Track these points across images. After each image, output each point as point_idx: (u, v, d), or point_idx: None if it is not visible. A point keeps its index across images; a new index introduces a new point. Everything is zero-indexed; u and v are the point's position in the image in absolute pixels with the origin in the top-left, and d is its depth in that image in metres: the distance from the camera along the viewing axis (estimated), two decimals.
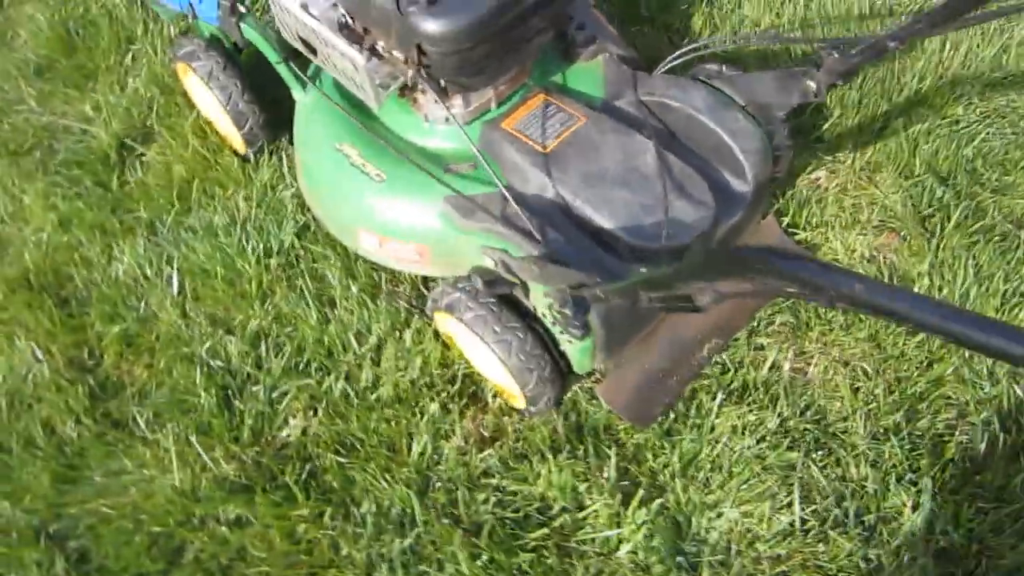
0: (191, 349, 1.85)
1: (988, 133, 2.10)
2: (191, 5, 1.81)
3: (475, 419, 1.76)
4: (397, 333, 1.84)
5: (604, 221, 1.61)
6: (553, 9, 1.63)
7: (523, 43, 1.64)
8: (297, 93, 1.91)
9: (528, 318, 1.64)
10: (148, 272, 1.96)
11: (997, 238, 1.94)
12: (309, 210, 2.01)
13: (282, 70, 1.87)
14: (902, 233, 1.97)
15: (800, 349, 1.84)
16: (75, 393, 1.81)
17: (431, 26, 1.46)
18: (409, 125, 1.81)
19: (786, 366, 1.81)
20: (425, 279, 1.95)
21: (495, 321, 1.61)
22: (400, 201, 1.75)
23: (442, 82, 1.63)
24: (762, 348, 1.84)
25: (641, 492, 1.66)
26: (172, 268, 1.95)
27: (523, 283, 1.61)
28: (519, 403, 1.74)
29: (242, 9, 1.78)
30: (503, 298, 1.64)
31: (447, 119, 1.77)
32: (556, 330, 1.63)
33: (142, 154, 2.18)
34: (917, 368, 1.79)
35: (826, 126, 2.14)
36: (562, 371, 1.67)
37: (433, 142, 1.80)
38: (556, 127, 1.74)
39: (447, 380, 1.80)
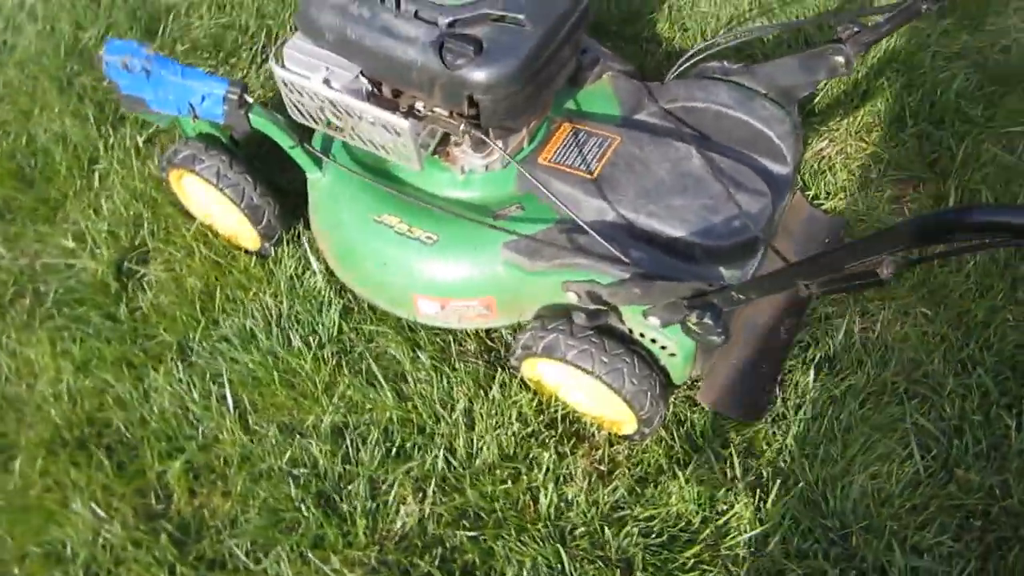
0: (269, 464, 1.75)
1: (961, 75, 2.26)
2: (191, 106, 1.73)
3: (589, 456, 1.75)
4: (482, 392, 1.80)
5: (674, 230, 1.64)
6: (578, 37, 1.66)
7: (556, 77, 1.66)
8: (313, 174, 1.86)
9: (627, 342, 1.64)
10: (194, 396, 1.85)
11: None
12: (347, 291, 1.95)
13: (296, 153, 1.82)
14: (915, 180, 2.10)
15: (862, 310, 1.92)
16: (157, 544, 1.68)
17: (483, 76, 1.46)
18: (444, 181, 1.79)
19: (856, 329, 1.89)
20: (488, 331, 1.92)
21: (601, 352, 1.61)
22: (457, 259, 1.73)
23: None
24: (829, 318, 1.91)
25: (771, 483, 1.69)
26: (221, 386, 1.84)
27: (615, 308, 1.62)
28: (629, 429, 1.74)
29: (249, 99, 1.72)
30: (599, 328, 1.64)
31: (485, 167, 1.76)
32: (655, 347, 1.64)
33: (144, 275, 2.06)
34: (972, 300, 1.90)
35: (816, 99, 2.25)
36: (666, 387, 1.68)
37: (472, 193, 1.79)
38: (594, 151, 1.76)
39: (546, 426, 1.77)
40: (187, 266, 2.02)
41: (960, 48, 2.33)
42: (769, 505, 1.66)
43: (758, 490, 1.69)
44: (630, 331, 1.65)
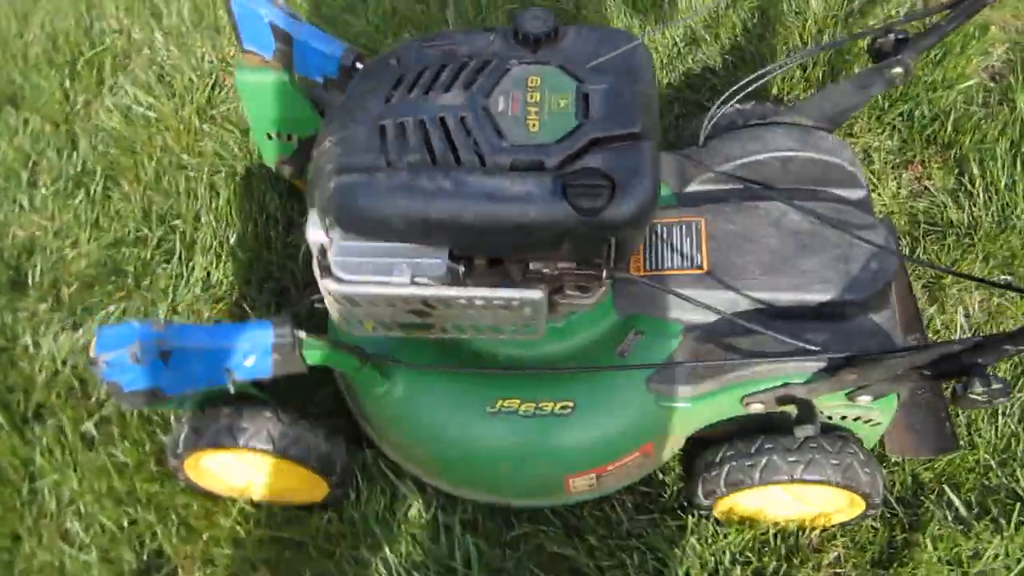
0: None
1: None
2: (228, 371, 1.35)
3: (825, 567, 1.56)
4: (677, 551, 1.56)
5: (819, 295, 1.51)
6: None
7: None
8: (379, 388, 1.54)
9: (830, 431, 1.49)
10: None
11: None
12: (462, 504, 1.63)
13: (365, 375, 1.49)
14: (918, 159, 2.13)
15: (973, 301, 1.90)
16: None
17: (628, 211, 1.22)
18: (541, 339, 1.54)
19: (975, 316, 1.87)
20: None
21: (827, 456, 1.44)
22: (605, 419, 1.51)
23: None
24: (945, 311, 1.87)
25: (996, 508, 1.60)
26: None
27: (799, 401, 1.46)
28: (849, 514, 1.58)
29: (302, 335, 1.38)
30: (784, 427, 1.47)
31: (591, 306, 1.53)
32: (854, 423, 1.50)
33: None
34: None
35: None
36: None
37: (575, 339, 1.55)
38: (687, 243, 1.60)
39: (767, 555, 1.57)
40: (254, 555, 1.60)
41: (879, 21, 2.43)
42: (1010, 532, 1.56)
43: (1001, 521, 1.60)
44: (828, 416, 1.50)
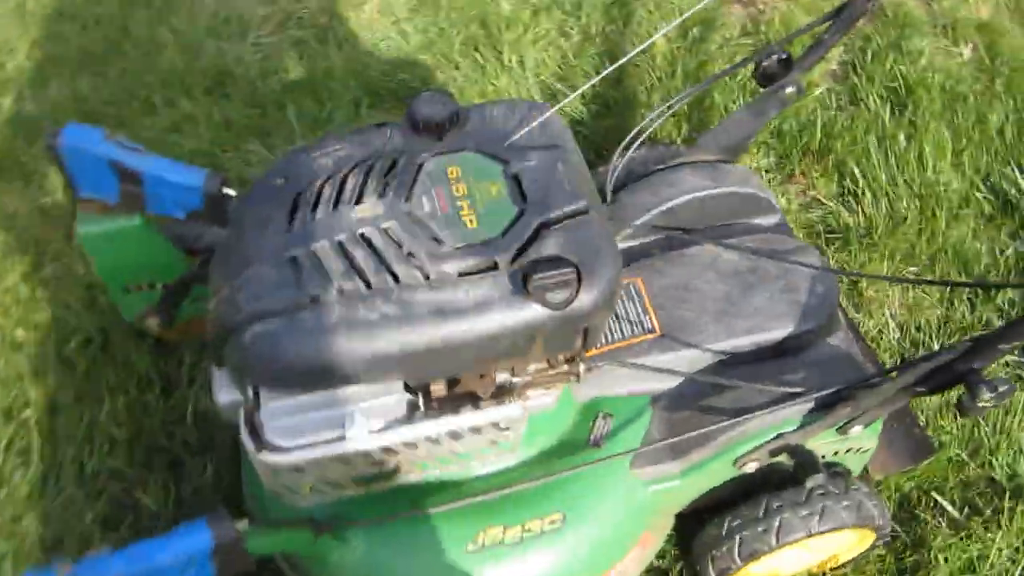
0: None
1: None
2: None
3: None
4: None
5: (778, 330, 1.45)
6: None
7: None
8: (336, 554, 1.31)
9: (828, 468, 1.41)
10: None
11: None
12: None
13: (318, 545, 1.26)
14: (798, 171, 2.16)
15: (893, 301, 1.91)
16: None
17: (597, 294, 1.10)
18: (505, 447, 1.38)
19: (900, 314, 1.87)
20: None
21: (834, 498, 1.36)
22: (597, 519, 1.36)
23: None
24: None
25: (982, 502, 1.59)
26: None
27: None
28: (859, 549, 1.50)
29: (243, 526, 1.14)
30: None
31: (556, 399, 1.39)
32: (847, 456, 1.44)
33: None
34: None
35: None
36: None
37: (544, 439, 1.39)
38: (631, 307, 1.50)
39: None
40: None
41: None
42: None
43: (989, 514, 1.57)
44: (821, 456, 1.42)
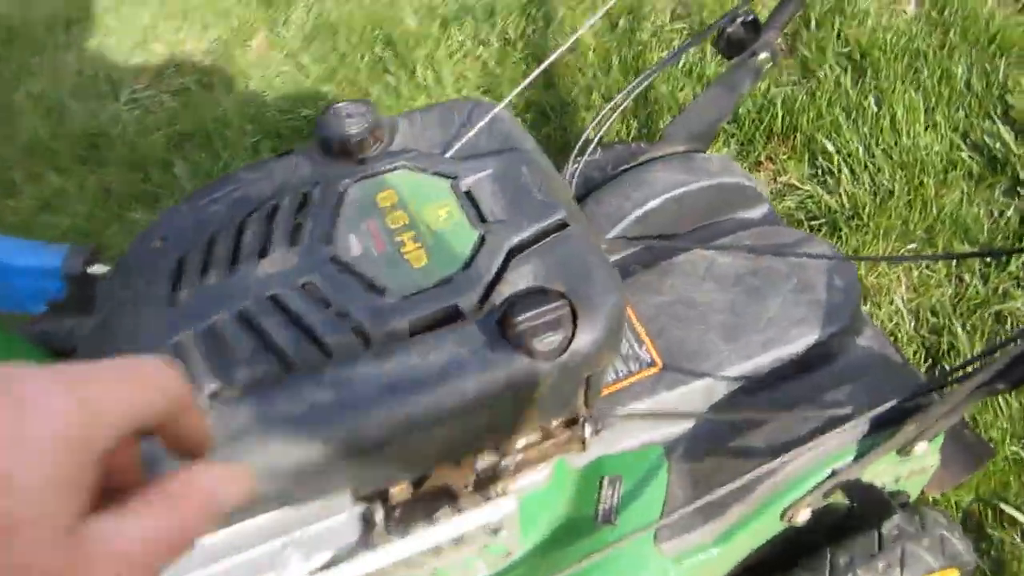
0: None
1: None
2: None
3: None
4: None
5: (801, 339, 1.21)
6: None
7: None
8: None
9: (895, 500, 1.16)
10: None
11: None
12: None
13: None
14: (764, 156, 1.94)
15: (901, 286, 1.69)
16: None
17: (603, 329, 0.82)
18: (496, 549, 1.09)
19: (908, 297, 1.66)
20: None
21: (913, 539, 1.11)
22: None
23: None
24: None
25: None
26: None
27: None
28: None
29: None
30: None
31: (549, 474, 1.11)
32: (907, 481, 1.19)
33: None
34: None
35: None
36: None
37: (537, 527, 1.11)
38: (628, 335, 1.23)
39: None
40: None
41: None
42: None
43: None
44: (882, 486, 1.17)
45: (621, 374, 1.19)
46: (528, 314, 0.78)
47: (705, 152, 1.47)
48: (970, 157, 1.88)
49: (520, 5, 2.31)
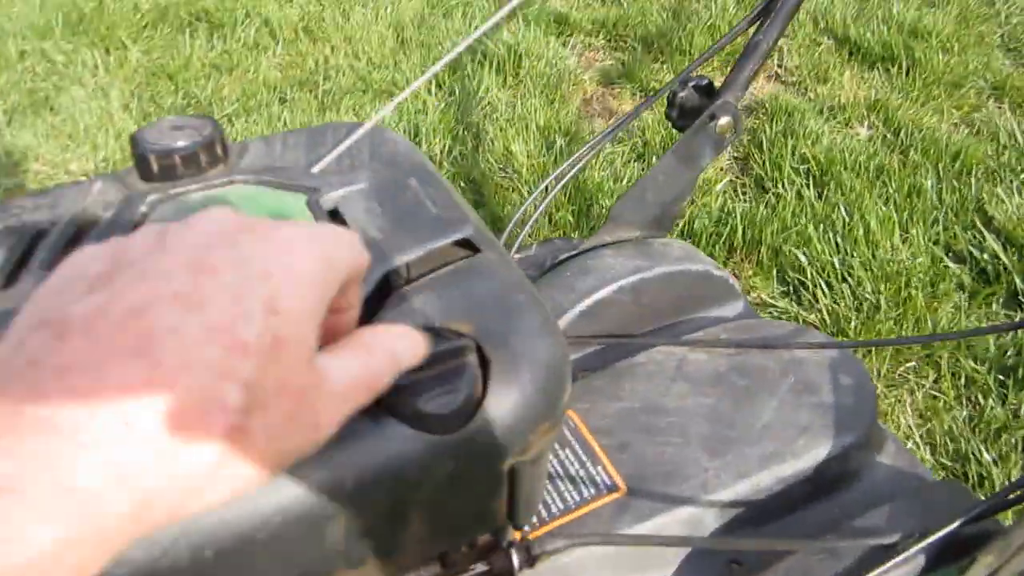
0: None
1: None
2: None
3: None
4: None
5: (812, 451, 0.91)
6: None
7: None
8: None
9: None
10: None
11: None
12: None
13: None
14: (737, 178, 1.72)
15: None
16: None
17: (524, 389, 0.52)
18: None
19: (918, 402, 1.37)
20: None
21: None
22: None
23: None
24: None
25: None
26: None
27: None
28: None
29: None
30: None
31: None
32: None
33: None
34: None
35: None
36: None
37: None
38: (570, 459, 0.91)
39: None
40: None
41: None
42: None
43: None
44: None
45: (570, 502, 0.86)
46: (426, 380, 0.48)
47: (665, 237, 1.23)
48: (958, 269, 1.68)
49: (448, 127, 2.15)
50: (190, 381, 0.28)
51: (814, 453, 0.90)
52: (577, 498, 0.87)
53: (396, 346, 0.41)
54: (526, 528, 0.83)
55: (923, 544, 0.74)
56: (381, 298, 0.56)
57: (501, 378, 0.50)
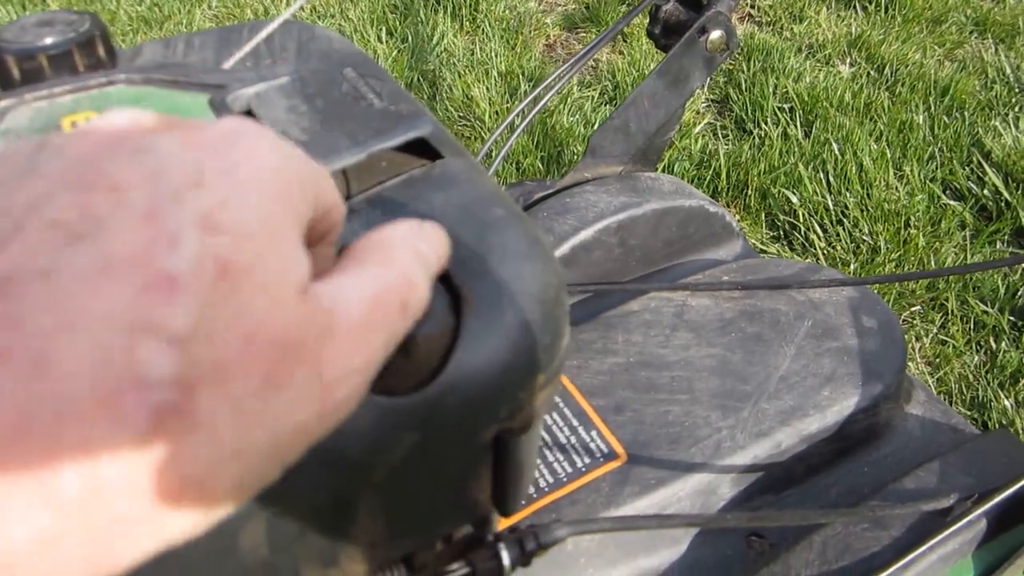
0: None
1: None
2: None
3: None
4: None
5: (838, 404, 0.78)
6: None
7: None
8: None
9: None
10: None
11: None
12: None
13: None
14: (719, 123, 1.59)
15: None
16: None
17: (509, 342, 0.39)
18: None
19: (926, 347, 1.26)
20: None
21: None
22: None
23: None
24: None
25: None
26: None
27: None
28: None
29: None
30: None
31: None
32: None
33: None
34: None
35: None
36: None
37: None
38: (559, 425, 0.78)
39: None
40: None
41: None
42: None
43: None
44: None
45: (563, 475, 0.73)
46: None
47: (653, 172, 1.09)
48: (959, 206, 1.57)
49: (400, 75, 1.98)
50: (77, 348, 0.17)
51: (840, 406, 0.78)
52: (570, 470, 0.74)
53: (414, 241, 0.29)
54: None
55: (987, 506, 0.62)
56: None
57: (478, 316, 0.37)
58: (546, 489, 0.72)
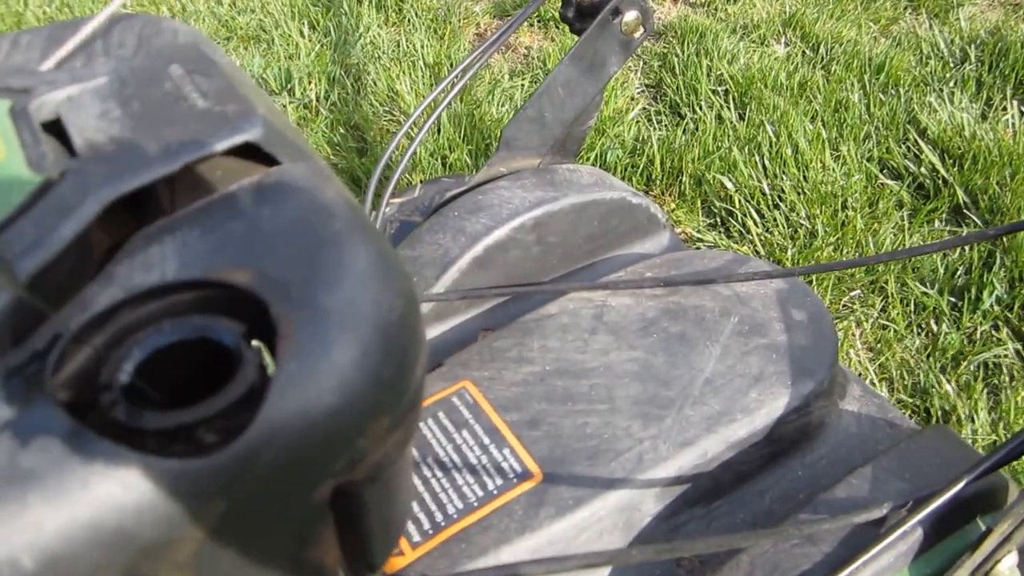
0: None
1: None
2: None
3: None
4: None
5: (769, 404, 0.74)
6: None
7: None
8: None
9: None
10: None
11: None
12: None
13: None
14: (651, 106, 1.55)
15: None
16: None
17: (338, 378, 0.33)
18: None
19: (867, 333, 1.23)
20: None
21: None
22: None
23: None
24: None
25: None
26: None
27: None
28: None
29: None
30: None
31: None
32: None
33: None
34: None
35: None
36: None
37: None
38: (466, 436, 0.72)
39: None
40: None
41: None
42: None
43: None
44: None
45: (473, 500, 0.68)
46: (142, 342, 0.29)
47: (572, 164, 1.04)
48: (896, 185, 1.55)
49: (323, 70, 1.90)
50: None
51: (770, 408, 0.73)
52: (481, 493, 0.68)
53: None
54: (400, 550, 0.64)
55: (922, 514, 0.58)
56: (113, 240, 0.36)
57: (298, 355, 0.31)
58: (455, 516, 0.67)
